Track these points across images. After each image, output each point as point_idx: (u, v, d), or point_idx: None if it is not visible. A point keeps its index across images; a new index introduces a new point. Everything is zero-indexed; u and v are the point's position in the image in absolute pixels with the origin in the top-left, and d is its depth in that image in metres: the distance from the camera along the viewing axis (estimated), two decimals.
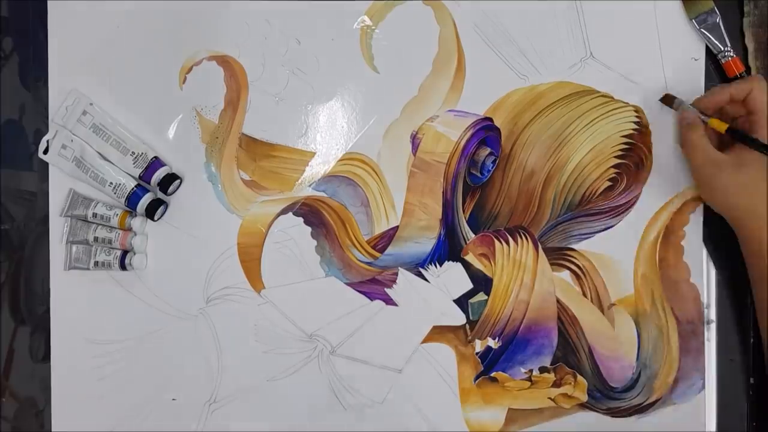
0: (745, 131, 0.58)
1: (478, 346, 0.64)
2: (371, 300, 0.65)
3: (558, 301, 0.64)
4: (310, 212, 0.65)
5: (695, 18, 0.64)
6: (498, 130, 0.64)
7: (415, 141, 0.65)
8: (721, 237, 0.64)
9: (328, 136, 0.65)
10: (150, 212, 0.63)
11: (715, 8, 0.63)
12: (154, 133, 0.65)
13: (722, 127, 0.58)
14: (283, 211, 0.65)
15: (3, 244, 0.66)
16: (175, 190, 0.65)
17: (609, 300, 0.64)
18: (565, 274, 0.64)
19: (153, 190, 0.64)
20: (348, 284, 0.65)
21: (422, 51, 0.65)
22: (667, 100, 0.63)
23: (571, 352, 0.64)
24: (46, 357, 0.65)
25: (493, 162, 0.64)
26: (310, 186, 0.65)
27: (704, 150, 0.58)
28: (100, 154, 0.64)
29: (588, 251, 0.64)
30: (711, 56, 0.64)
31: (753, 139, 0.57)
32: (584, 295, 0.64)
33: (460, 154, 0.64)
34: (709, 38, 0.63)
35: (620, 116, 0.64)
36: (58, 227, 0.65)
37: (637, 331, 0.64)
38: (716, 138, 0.61)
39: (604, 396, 0.64)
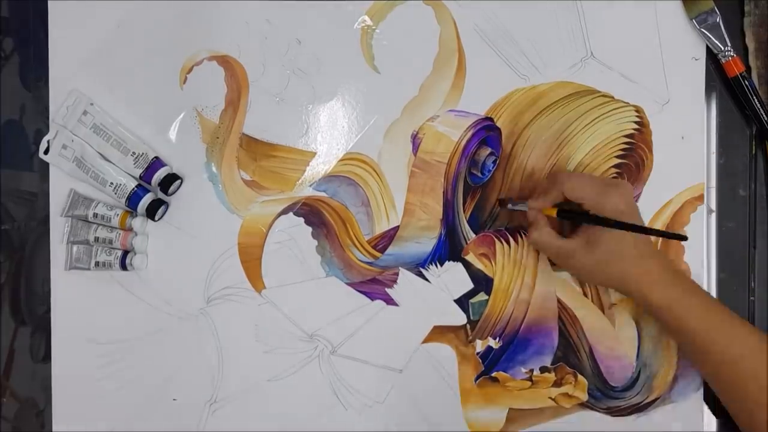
0: (572, 209, 0.58)
1: (479, 346, 0.64)
2: (372, 300, 0.65)
3: (559, 301, 0.64)
4: (310, 212, 0.65)
5: (695, 18, 0.64)
6: (498, 130, 0.65)
7: (415, 141, 0.65)
8: (722, 237, 0.64)
9: (328, 136, 0.65)
10: (151, 212, 0.63)
11: (716, 8, 0.63)
12: (155, 133, 0.65)
13: (552, 212, 0.58)
14: (284, 211, 0.65)
15: (3, 244, 0.66)
16: (176, 190, 0.65)
17: (609, 300, 0.64)
18: (566, 274, 0.64)
19: (153, 190, 0.64)
20: (349, 284, 0.65)
21: (423, 51, 0.65)
22: (502, 203, 0.64)
23: (571, 352, 0.64)
24: (47, 357, 0.65)
25: (494, 162, 0.64)
26: (310, 186, 0.65)
27: (551, 242, 0.59)
28: (100, 154, 0.64)
29: None
30: (711, 56, 0.64)
31: (580, 213, 0.57)
32: (585, 295, 0.64)
33: (461, 154, 0.64)
34: (710, 38, 0.63)
35: (621, 116, 0.64)
36: (58, 227, 0.65)
37: (638, 330, 0.64)
38: (567, 228, 0.61)
39: (604, 395, 0.64)
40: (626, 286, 0.57)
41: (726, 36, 0.63)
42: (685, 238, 0.55)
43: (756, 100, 0.63)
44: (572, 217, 0.58)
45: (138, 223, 0.64)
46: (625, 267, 0.57)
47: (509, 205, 0.63)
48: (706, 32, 0.63)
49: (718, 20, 0.63)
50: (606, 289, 0.64)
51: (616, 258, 0.56)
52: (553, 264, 0.64)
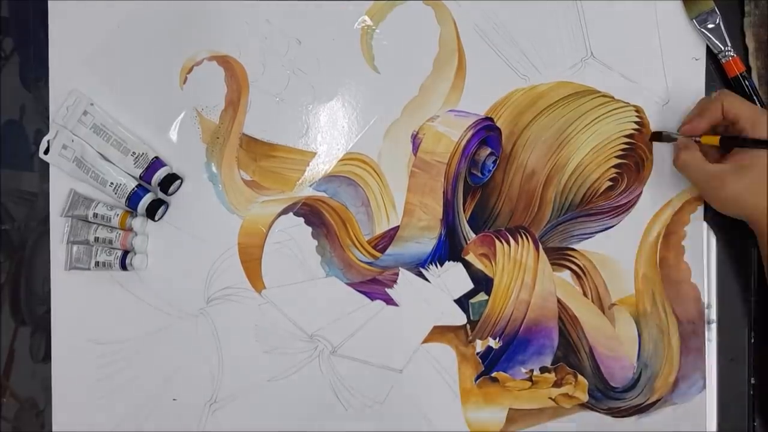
0: (737, 135, 0.58)
1: (479, 346, 0.64)
2: (372, 300, 0.65)
3: (559, 301, 0.64)
4: (310, 212, 0.65)
5: (696, 18, 0.64)
6: (498, 130, 0.65)
7: (415, 141, 0.65)
8: (722, 236, 0.64)
9: (328, 136, 0.65)
10: (151, 212, 0.63)
11: (716, 8, 0.63)
12: (155, 133, 0.65)
13: (714, 139, 0.58)
14: (284, 211, 0.65)
15: (3, 244, 0.66)
16: (176, 191, 0.65)
17: (610, 300, 0.64)
18: (566, 274, 0.64)
19: (153, 190, 0.64)
20: (349, 284, 0.65)
21: (423, 51, 0.65)
22: (655, 136, 0.63)
23: (571, 352, 0.64)
24: (47, 357, 0.65)
25: (494, 162, 0.64)
26: (310, 186, 0.65)
27: (701, 167, 0.59)
28: (100, 154, 0.64)
29: (589, 251, 0.64)
30: (711, 56, 0.64)
31: (748, 139, 0.57)
32: (585, 295, 0.64)
33: (461, 154, 0.64)
34: (710, 38, 0.63)
35: (621, 116, 0.64)
36: (58, 227, 0.65)
37: (638, 331, 0.64)
38: (711, 156, 0.61)
39: (604, 396, 0.64)
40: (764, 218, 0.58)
41: (726, 36, 0.63)
42: None
43: (757, 99, 0.63)
44: (737, 142, 0.57)
45: (138, 223, 0.64)
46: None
47: (663, 136, 0.62)
48: (706, 32, 0.63)
49: (718, 21, 0.63)
50: (606, 289, 0.64)
51: (764, 184, 0.56)
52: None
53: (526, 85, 0.65)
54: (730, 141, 0.58)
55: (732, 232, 0.64)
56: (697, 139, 0.59)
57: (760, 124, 0.57)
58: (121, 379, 0.65)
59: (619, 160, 0.64)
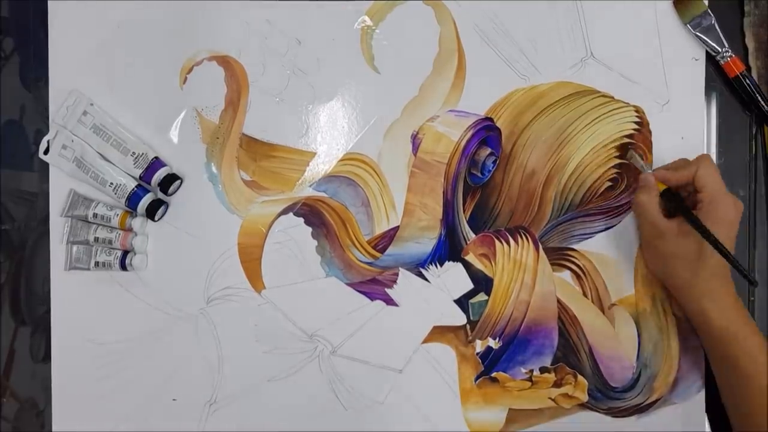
0: (681, 199, 0.57)
1: (479, 346, 0.64)
2: (372, 300, 0.65)
3: (558, 301, 0.64)
4: (310, 212, 0.65)
5: (689, 22, 0.64)
6: (498, 130, 0.65)
7: (415, 141, 0.65)
8: None
9: (328, 137, 0.65)
10: (150, 212, 0.63)
11: (709, 10, 0.63)
12: (155, 133, 0.65)
13: (661, 186, 0.58)
14: (284, 212, 0.65)
15: (3, 244, 0.66)
16: (176, 191, 0.65)
17: (609, 300, 0.64)
18: (566, 274, 0.64)
19: (153, 190, 0.64)
20: (348, 284, 0.65)
21: (423, 51, 0.65)
22: (624, 150, 0.63)
23: (571, 352, 0.64)
24: (47, 357, 0.65)
25: (494, 162, 0.64)
26: (310, 186, 0.65)
27: (651, 213, 0.58)
28: (100, 154, 0.64)
29: (588, 251, 0.64)
30: (711, 56, 0.64)
31: (686, 208, 0.56)
32: (585, 295, 0.64)
33: (461, 154, 0.64)
34: (706, 41, 0.63)
35: (621, 116, 0.64)
36: (58, 227, 0.65)
37: (638, 331, 0.64)
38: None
39: (604, 396, 0.64)
40: (689, 293, 0.57)
41: (723, 37, 0.63)
42: (755, 284, 0.56)
43: (760, 97, 0.63)
44: (675, 203, 0.57)
45: (138, 223, 0.64)
46: (698, 271, 0.56)
47: (628, 156, 0.62)
48: (701, 36, 0.63)
49: (712, 22, 0.63)
50: (606, 289, 0.64)
51: (699, 260, 0.56)
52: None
53: (526, 85, 0.65)
54: (670, 198, 0.57)
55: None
56: (648, 171, 0.60)
57: (717, 203, 0.56)
58: (121, 379, 0.65)
59: (619, 160, 0.64)
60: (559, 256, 0.65)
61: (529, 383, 0.64)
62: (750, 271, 0.56)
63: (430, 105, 0.65)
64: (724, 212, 0.56)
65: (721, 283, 0.56)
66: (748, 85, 0.63)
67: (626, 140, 0.64)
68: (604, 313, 0.64)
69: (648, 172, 0.60)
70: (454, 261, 0.65)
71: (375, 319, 0.64)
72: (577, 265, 0.64)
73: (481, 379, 0.64)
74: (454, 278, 0.64)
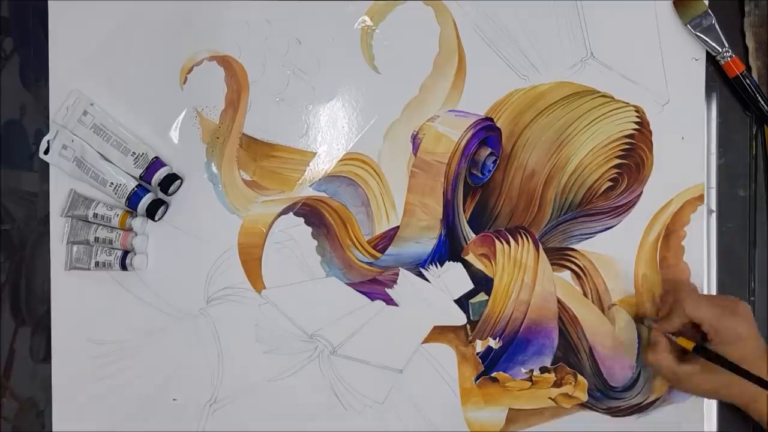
0: (712, 349, 0.57)
1: (479, 346, 0.64)
2: (372, 300, 0.65)
3: (559, 301, 0.64)
4: (310, 212, 0.65)
5: (690, 23, 0.64)
6: (498, 130, 0.65)
7: (415, 141, 0.65)
8: (722, 236, 0.64)
9: (328, 136, 0.65)
10: (151, 212, 0.63)
11: (709, 10, 0.63)
12: (155, 133, 0.65)
13: (689, 345, 0.58)
14: (284, 211, 0.65)
15: (4, 244, 0.66)
16: (176, 191, 0.65)
17: (610, 300, 0.64)
18: (566, 274, 0.64)
19: (154, 190, 0.64)
20: (349, 284, 0.65)
21: (423, 51, 0.65)
22: (638, 320, 0.64)
23: (571, 352, 0.64)
24: (47, 357, 0.65)
25: (494, 162, 0.64)
26: (310, 186, 0.65)
27: (670, 368, 0.58)
28: (100, 154, 0.64)
29: (589, 251, 0.64)
30: (711, 56, 0.64)
31: (719, 357, 0.56)
32: (585, 295, 0.64)
33: (461, 154, 0.64)
34: (706, 41, 0.63)
35: (621, 116, 0.64)
36: (58, 227, 0.65)
37: (638, 331, 0.64)
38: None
39: (604, 396, 0.64)
40: (749, 405, 0.57)
41: (723, 37, 0.63)
42: None
43: (760, 97, 0.63)
44: (709, 358, 0.56)
45: (138, 223, 0.64)
46: (744, 389, 0.56)
47: (645, 322, 0.63)
48: (702, 36, 0.63)
49: (713, 22, 0.63)
50: (606, 289, 0.64)
51: (736, 381, 0.55)
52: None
53: (526, 85, 0.65)
54: (703, 353, 0.57)
55: (732, 232, 0.64)
56: (672, 338, 0.59)
57: (723, 329, 0.56)
58: (121, 379, 0.65)
59: (620, 161, 0.64)
60: (559, 256, 0.65)
61: (529, 383, 0.64)
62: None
63: (430, 105, 0.65)
64: (734, 332, 0.56)
65: None
66: (748, 85, 0.63)
67: (626, 141, 0.64)
68: (604, 313, 0.64)
69: (654, 329, 0.60)
70: (454, 261, 0.65)
71: (375, 319, 0.64)
72: (577, 265, 0.64)
73: (481, 379, 0.64)
74: (454, 278, 0.64)
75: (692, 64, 0.64)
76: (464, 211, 0.65)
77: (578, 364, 0.64)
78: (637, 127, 0.64)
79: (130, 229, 0.64)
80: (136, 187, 0.63)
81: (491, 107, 0.65)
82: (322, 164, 0.65)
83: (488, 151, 0.64)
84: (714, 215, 0.64)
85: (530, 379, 0.64)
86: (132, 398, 0.65)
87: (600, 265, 0.64)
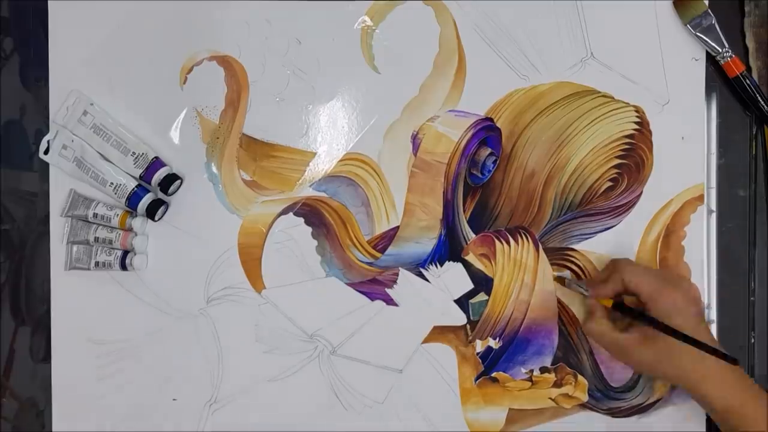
0: (630, 306, 0.57)
1: (479, 346, 0.64)
2: (372, 300, 0.65)
3: (558, 301, 0.64)
4: (310, 212, 0.65)
5: (689, 23, 0.64)
6: (498, 130, 0.64)
7: (415, 141, 0.65)
8: (722, 236, 0.64)
9: (328, 136, 0.65)
10: (151, 212, 0.63)
11: (709, 11, 0.63)
12: (155, 133, 0.65)
13: (608, 302, 0.58)
14: (284, 212, 0.65)
15: (3, 244, 0.66)
16: (176, 191, 0.65)
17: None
18: (566, 274, 0.64)
19: (153, 190, 0.64)
20: (348, 284, 0.65)
21: (423, 51, 0.65)
22: (559, 280, 0.63)
23: (571, 352, 0.64)
24: (47, 357, 0.65)
25: (494, 162, 0.64)
26: (310, 186, 0.65)
27: (608, 335, 0.58)
28: (100, 154, 0.64)
29: (589, 251, 0.64)
30: (711, 56, 0.64)
31: (635, 311, 0.56)
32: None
33: (461, 154, 0.64)
34: (706, 41, 0.63)
35: (621, 116, 0.64)
36: (58, 227, 0.65)
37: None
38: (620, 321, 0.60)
39: (604, 396, 0.64)
40: (685, 383, 0.56)
41: (723, 38, 0.63)
42: (736, 362, 0.53)
43: (760, 97, 0.63)
44: (627, 313, 0.57)
45: (138, 223, 0.64)
46: (682, 364, 0.55)
47: (567, 283, 0.62)
48: (702, 36, 0.63)
49: (713, 22, 0.63)
50: None
51: (674, 355, 0.55)
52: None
53: (526, 85, 0.65)
54: (622, 309, 0.57)
55: (732, 232, 0.64)
56: (587, 294, 0.59)
57: (660, 299, 0.56)
58: (121, 379, 0.65)
59: (620, 161, 0.64)
60: (559, 256, 0.65)
61: (530, 383, 0.64)
62: (725, 351, 0.54)
63: (430, 105, 0.65)
64: (672, 303, 0.56)
65: (711, 362, 0.55)
66: (748, 85, 0.63)
67: (626, 141, 0.64)
68: None
69: (587, 295, 0.59)
70: (454, 261, 0.65)
71: (375, 319, 0.64)
72: (578, 266, 0.64)
73: (481, 379, 0.64)
74: (454, 278, 0.64)
75: (692, 64, 0.64)
76: (464, 211, 0.65)
77: (578, 365, 0.64)
78: (637, 127, 0.64)
79: (130, 229, 0.64)
80: (136, 187, 0.63)
81: (491, 107, 0.65)
82: (322, 164, 0.65)
83: (488, 151, 0.64)
84: (714, 215, 0.64)
85: (530, 380, 0.64)
86: (132, 398, 0.65)
87: (600, 265, 0.64)
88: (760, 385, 0.56)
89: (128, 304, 0.65)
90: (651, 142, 0.64)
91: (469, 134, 0.64)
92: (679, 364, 0.56)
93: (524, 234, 0.65)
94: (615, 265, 0.59)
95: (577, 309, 0.64)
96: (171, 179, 0.64)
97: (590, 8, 0.65)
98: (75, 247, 0.64)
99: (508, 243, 0.65)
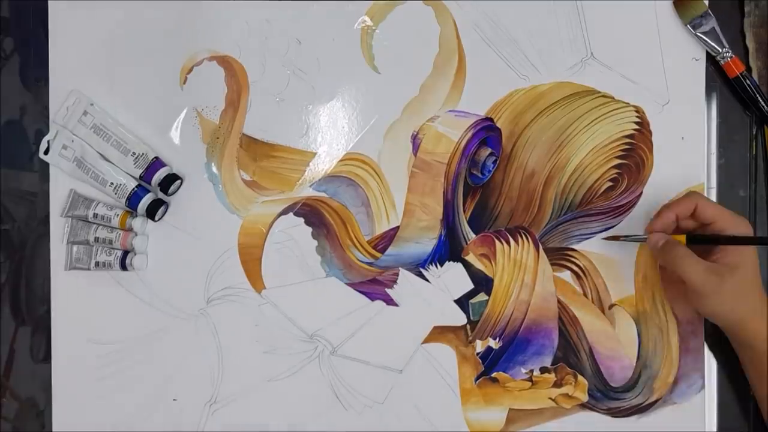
0: (709, 233, 0.57)
1: (479, 346, 0.64)
2: (372, 300, 0.65)
3: (559, 301, 0.64)
4: (310, 212, 0.65)
5: (689, 23, 0.64)
6: (498, 130, 0.65)
7: (415, 141, 0.65)
8: None
9: (328, 137, 0.65)
10: (151, 212, 0.63)
11: (709, 11, 0.63)
12: (155, 133, 0.65)
13: (681, 238, 0.57)
14: (284, 212, 0.65)
15: (4, 244, 0.66)
16: (176, 191, 0.65)
17: (610, 300, 0.64)
18: (566, 275, 0.64)
19: (154, 190, 0.64)
20: (349, 284, 0.65)
21: (423, 51, 0.65)
22: (614, 238, 0.63)
23: (571, 353, 0.64)
24: (47, 357, 0.65)
25: (494, 162, 0.64)
26: (310, 186, 0.65)
27: (699, 262, 0.55)
28: (100, 154, 0.64)
29: (589, 251, 0.64)
30: (711, 56, 0.64)
31: (729, 237, 0.56)
32: (585, 295, 0.64)
33: (461, 155, 0.64)
34: (706, 41, 0.63)
35: (621, 116, 0.64)
36: (58, 227, 0.65)
37: (638, 331, 0.64)
38: None
39: (604, 396, 0.64)
40: (761, 319, 0.56)
41: (723, 38, 0.63)
42: None
43: (760, 98, 0.63)
44: (708, 240, 0.56)
45: (138, 223, 0.64)
46: (736, 287, 0.55)
47: (622, 239, 0.62)
48: (702, 36, 0.63)
49: (713, 23, 0.63)
50: (606, 289, 0.64)
51: (756, 285, 0.55)
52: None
53: (526, 85, 0.65)
54: (703, 239, 0.56)
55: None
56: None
57: (740, 223, 0.56)
58: (121, 379, 0.65)
59: (620, 161, 0.64)
60: (559, 256, 0.65)
61: (530, 383, 0.64)
62: None
63: (430, 105, 0.65)
64: (745, 227, 0.56)
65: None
66: (748, 85, 0.63)
67: (627, 141, 0.64)
68: (604, 313, 0.64)
69: (653, 234, 0.58)
70: (454, 261, 0.65)
71: (375, 319, 0.64)
72: (578, 266, 0.64)
73: (481, 379, 0.64)
74: (454, 278, 0.64)
75: (692, 64, 0.64)
76: (464, 211, 0.65)
77: (578, 365, 0.64)
78: (637, 127, 0.64)
79: (130, 229, 0.64)
80: (136, 187, 0.63)
81: (491, 107, 0.65)
82: (322, 164, 0.65)
83: (488, 151, 0.64)
84: None
85: (530, 380, 0.64)
86: (132, 398, 0.65)
87: (600, 265, 0.64)
88: None
89: (128, 304, 0.65)
90: (651, 142, 0.64)
91: (469, 134, 0.64)
92: (758, 299, 0.56)
93: (524, 234, 0.65)
94: (684, 196, 0.58)
95: (577, 309, 0.64)
96: (171, 179, 0.64)
97: (590, 8, 0.65)
98: (75, 247, 0.64)
99: (508, 243, 0.65)
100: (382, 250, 0.65)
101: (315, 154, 0.65)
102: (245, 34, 0.65)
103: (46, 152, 0.64)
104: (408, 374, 0.64)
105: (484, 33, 0.65)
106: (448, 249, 0.65)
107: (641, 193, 0.64)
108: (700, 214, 0.57)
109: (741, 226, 0.57)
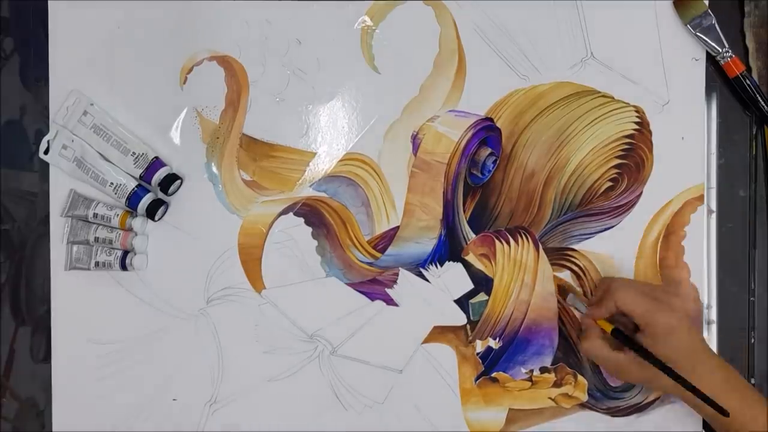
0: (628, 335, 0.57)
1: (479, 346, 0.64)
2: (372, 300, 0.65)
3: (559, 301, 0.64)
4: (310, 212, 0.65)
5: (689, 23, 0.64)
6: (498, 130, 0.65)
7: (415, 141, 0.65)
8: (722, 236, 0.64)
9: (328, 137, 0.65)
10: (151, 212, 0.63)
11: (709, 11, 0.63)
12: (155, 133, 0.65)
13: (607, 327, 0.58)
14: (284, 212, 0.65)
15: (4, 244, 0.66)
16: (176, 191, 0.65)
17: None
18: (566, 274, 0.64)
19: (153, 190, 0.64)
20: (349, 284, 0.65)
21: (423, 51, 0.65)
22: (562, 293, 0.64)
23: (571, 352, 0.64)
24: (47, 357, 0.65)
25: (494, 162, 0.64)
26: (310, 186, 0.65)
27: (602, 355, 0.58)
28: (100, 154, 0.64)
29: (588, 251, 0.64)
30: (711, 56, 0.64)
31: (634, 343, 0.56)
32: (585, 295, 0.64)
33: (461, 155, 0.64)
34: (706, 41, 0.63)
35: (621, 116, 0.64)
36: (58, 227, 0.65)
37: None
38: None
39: (604, 396, 0.64)
40: (680, 394, 0.57)
41: (723, 38, 0.63)
42: (727, 414, 0.53)
43: (760, 98, 0.63)
44: (625, 343, 0.56)
45: (138, 223, 0.64)
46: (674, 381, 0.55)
47: (568, 300, 0.63)
48: (702, 36, 0.63)
49: (713, 22, 0.63)
50: None
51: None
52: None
53: (526, 85, 0.65)
54: (619, 337, 0.57)
55: (732, 232, 0.64)
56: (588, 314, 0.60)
57: (653, 322, 0.56)
58: (121, 379, 0.65)
59: (620, 161, 0.64)
60: (559, 256, 0.65)
61: (529, 383, 0.64)
62: (718, 403, 0.54)
63: (431, 105, 0.65)
64: (665, 325, 0.56)
65: (705, 371, 0.55)
66: (748, 85, 0.63)
67: (626, 141, 0.64)
68: None
69: (584, 315, 0.60)
70: (454, 261, 0.65)
71: (375, 319, 0.64)
72: (578, 265, 0.64)
73: (481, 379, 0.64)
74: (454, 278, 0.64)
75: (692, 64, 0.64)
76: (464, 211, 0.65)
77: (578, 364, 0.64)
78: (637, 127, 0.64)
79: (130, 229, 0.64)
80: (136, 187, 0.63)
81: (491, 107, 0.65)
82: (322, 164, 0.65)
83: (488, 151, 0.64)
84: (714, 215, 0.64)
85: (530, 380, 0.64)
86: (132, 398, 0.65)
87: (600, 265, 0.64)
88: (759, 387, 0.56)
89: (128, 304, 0.65)
90: (651, 142, 0.64)
91: (469, 134, 0.64)
92: (672, 383, 0.55)
93: (524, 234, 0.65)
94: (608, 286, 0.59)
95: (576, 311, 0.64)
96: (171, 179, 0.64)
97: (590, 8, 0.65)
98: (75, 247, 0.64)
99: (508, 243, 0.65)
100: (382, 250, 0.65)
101: (315, 154, 0.65)
102: (245, 34, 0.65)
103: (46, 152, 0.64)
104: (408, 374, 0.64)
105: (484, 33, 0.65)
106: (448, 249, 0.65)
107: (641, 193, 0.64)
108: (621, 309, 0.57)
109: (652, 325, 0.56)
